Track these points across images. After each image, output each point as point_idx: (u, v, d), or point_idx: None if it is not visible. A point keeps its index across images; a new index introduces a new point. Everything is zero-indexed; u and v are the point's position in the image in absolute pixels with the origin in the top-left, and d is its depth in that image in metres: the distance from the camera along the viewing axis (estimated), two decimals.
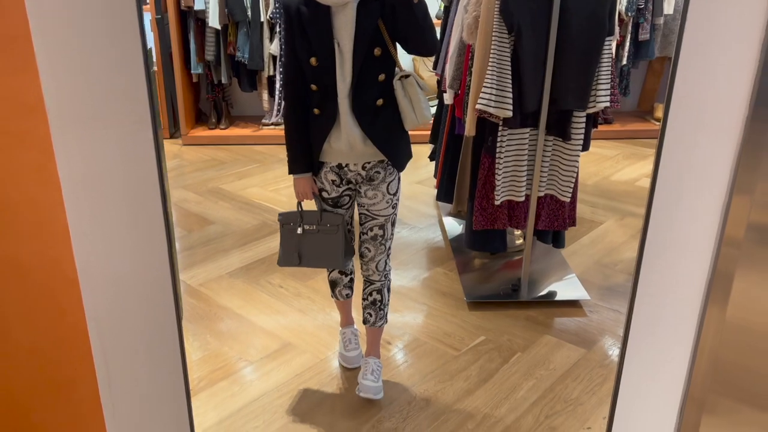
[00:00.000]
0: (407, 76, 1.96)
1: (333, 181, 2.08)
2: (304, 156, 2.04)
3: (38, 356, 1.71)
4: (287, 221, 2.17)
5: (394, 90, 1.96)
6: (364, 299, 2.26)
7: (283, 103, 2.04)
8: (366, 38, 1.87)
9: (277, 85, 5.03)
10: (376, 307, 2.24)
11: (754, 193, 1.28)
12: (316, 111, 1.97)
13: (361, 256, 2.19)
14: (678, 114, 1.21)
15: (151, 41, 4.82)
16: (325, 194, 2.11)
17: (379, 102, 1.96)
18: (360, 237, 2.19)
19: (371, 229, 2.14)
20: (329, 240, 2.11)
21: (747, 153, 1.26)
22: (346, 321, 2.49)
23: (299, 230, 2.13)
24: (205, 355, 2.56)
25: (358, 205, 2.15)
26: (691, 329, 1.43)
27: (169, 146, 5.06)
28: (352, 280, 2.35)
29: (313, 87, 1.94)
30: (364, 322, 2.29)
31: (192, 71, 4.97)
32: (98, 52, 1.09)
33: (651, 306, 1.43)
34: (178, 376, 1.40)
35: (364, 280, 2.24)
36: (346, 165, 2.05)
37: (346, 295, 2.37)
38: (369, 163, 2.05)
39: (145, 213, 1.23)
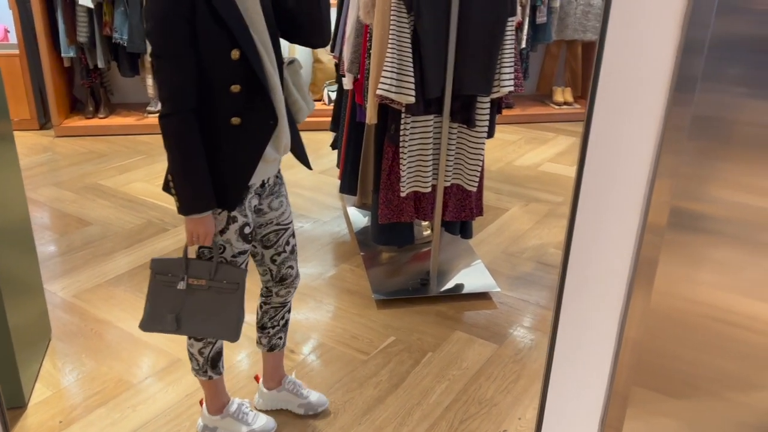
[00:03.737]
0: (292, 62, 1.68)
1: (255, 207, 1.70)
2: (208, 187, 1.54)
3: None
4: (164, 271, 1.65)
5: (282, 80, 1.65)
6: (274, 326, 1.96)
7: (166, 121, 1.49)
8: (273, 20, 1.57)
9: None
10: (287, 326, 2.00)
11: (676, 178, 1.21)
12: (234, 121, 1.52)
13: (283, 279, 1.87)
14: (603, 100, 1.08)
15: (11, 21, 4.25)
16: (247, 229, 1.66)
17: (285, 94, 1.64)
18: (275, 260, 1.84)
19: (287, 243, 1.84)
20: (223, 301, 1.63)
21: (668, 138, 1.18)
22: (227, 396, 1.97)
23: (181, 285, 1.63)
24: (80, 378, 2.23)
25: (262, 225, 1.78)
26: (615, 320, 1.36)
27: (39, 138, 4.52)
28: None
29: (234, 88, 1.49)
30: (272, 348, 1.99)
31: (62, 55, 4.45)
32: None
33: (577, 299, 1.34)
34: None
35: (276, 306, 1.93)
36: (267, 180, 1.70)
37: (222, 367, 1.91)
38: (278, 169, 1.76)
39: None
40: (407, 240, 2.85)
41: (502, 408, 2.14)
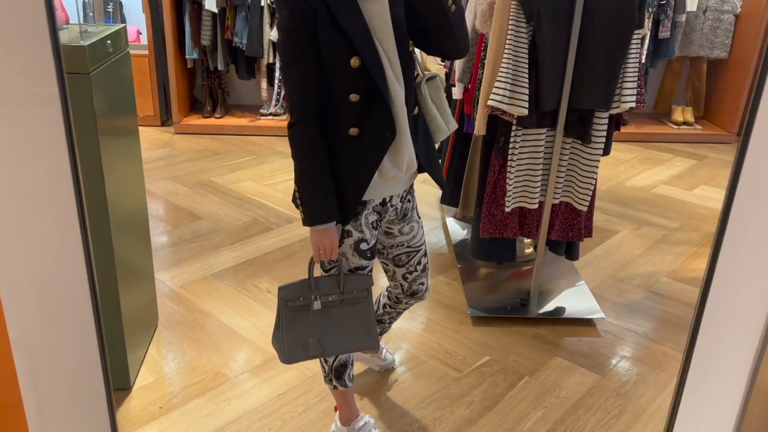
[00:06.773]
0: (433, 78, 1.63)
1: (373, 224, 1.62)
2: (332, 198, 1.51)
3: None
4: (295, 296, 1.58)
5: (419, 95, 1.61)
6: (390, 321, 2.08)
7: (294, 130, 1.49)
8: (404, 30, 1.50)
9: (277, 74, 4.77)
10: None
11: None
12: (353, 132, 1.48)
13: (414, 294, 1.87)
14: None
15: (143, 23, 4.57)
16: (364, 245, 1.61)
17: (416, 110, 1.60)
18: (406, 278, 1.83)
19: (419, 263, 1.82)
20: (357, 311, 1.61)
21: None
22: (356, 412, 1.94)
23: (316, 305, 1.57)
24: (180, 367, 2.32)
25: (393, 246, 1.76)
26: (747, 365, 1.23)
27: (160, 134, 4.81)
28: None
29: (353, 98, 1.45)
30: (383, 332, 2.14)
31: (187, 56, 4.71)
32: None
33: (713, 340, 1.21)
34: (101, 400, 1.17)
35: (400, 311, 2.01)
36: (390, 198, 1.63)
37: (352, 377, 1.88)
38: (406, 190, 1.68)
39: (59, 209, 0.99)
40: (508, 257, 2.75)
41: None
